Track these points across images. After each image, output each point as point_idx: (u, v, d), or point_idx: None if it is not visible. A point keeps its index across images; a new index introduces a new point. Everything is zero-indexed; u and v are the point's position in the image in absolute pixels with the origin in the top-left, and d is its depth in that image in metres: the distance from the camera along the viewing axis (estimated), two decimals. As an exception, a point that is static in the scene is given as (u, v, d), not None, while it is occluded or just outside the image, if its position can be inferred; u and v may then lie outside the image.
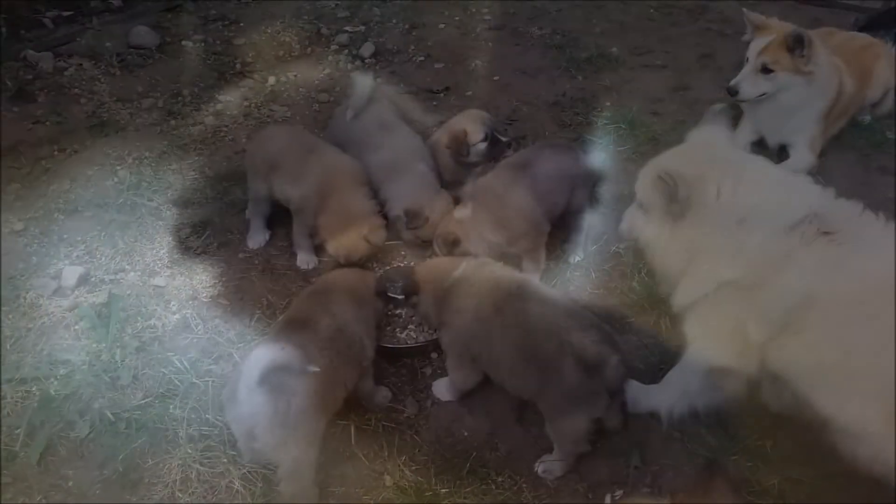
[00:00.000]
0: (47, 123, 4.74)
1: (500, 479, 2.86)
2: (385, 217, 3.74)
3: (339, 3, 6.45)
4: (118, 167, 4.49)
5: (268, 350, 2.50)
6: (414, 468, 2.91)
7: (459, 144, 3.85)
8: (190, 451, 2.90)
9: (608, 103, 5.14)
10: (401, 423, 3.10)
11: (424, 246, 3.71)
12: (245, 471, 2.84)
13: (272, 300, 3.63)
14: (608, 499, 2.85)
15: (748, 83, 4.10)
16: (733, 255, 2.52)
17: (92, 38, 5.55)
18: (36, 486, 2.84)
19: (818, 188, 2.61)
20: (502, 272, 3.01)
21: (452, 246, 3.39)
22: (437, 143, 4.01)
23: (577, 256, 3.87)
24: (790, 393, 2.84)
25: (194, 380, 3.17)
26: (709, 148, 2.77)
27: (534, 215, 3.53)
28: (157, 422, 3.02)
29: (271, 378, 2.46)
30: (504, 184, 3.56)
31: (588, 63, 5.61)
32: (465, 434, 3.07)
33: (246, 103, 5.20)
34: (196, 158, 4.62)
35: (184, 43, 5.83)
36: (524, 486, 2.86)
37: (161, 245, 3.93)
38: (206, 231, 4.04)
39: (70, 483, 2.86)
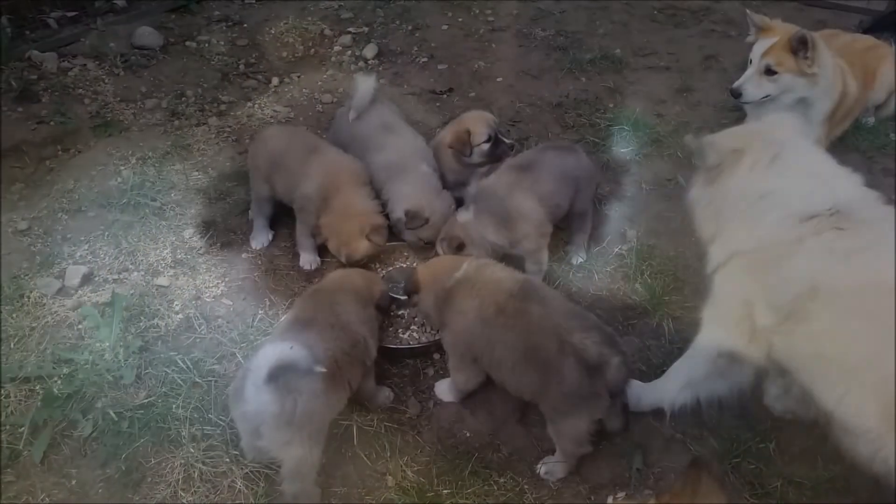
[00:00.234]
0: (51, 123, 4.75)
1: (501, 480, 2.87)
2: (387, 218, 3.74)
3: (342, 4, 6.46)
4: (122, 167, 4.50)
5: (276, 348, 2.51)
6: (416, 469, 2.91)
7: (463, 145, 3.86)
8: (192, 450, 2.91)
9: (611, 105, 5.15)
10: (403, 424, 3.10)
11: (426, 247, 3.72)
12: (247, 470, 2.85)
13: (275, 300, 3.64)
14: (610, 500, 2.85)
15: (752, 85, 4.10)
16: (748, 227, 2.60)
17: (96, 38, 5.56)
18: (39, 485, 2.85)
19: (852, 184, 2.60)
20: (504, 273, 3.01)
21: (457, 250, 3.39)
22: (440, 144, 4.02)
23: (579, 258, 3.87)
24: (793, 394, 2.85)
25: (197, 379, 3.18)
26: (769, 127, 2.85)
27: (536, 217, 3.53)
28: (160, 421, 3.03)
29: (279, 376, 2.47)
30: (507, 185, 3.56)
31: (591, 64, 5.61)
32: (467, 435, 3.07)
33: (249, 104, 5.21)
34: (199, 159, 4.63)
35: (188, 44, 5.84)
36: (526, 487, 2.86)
37: (164, 245, 3.94)
38: (210, 231, 4.05)
39: (73, 481, 2.87)
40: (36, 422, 3.00)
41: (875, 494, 2.77)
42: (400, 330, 3.51)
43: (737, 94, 4.14)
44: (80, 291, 3.65)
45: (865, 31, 5.33)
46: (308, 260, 3.85)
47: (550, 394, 2.73)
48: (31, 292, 3.60)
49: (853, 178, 2.63)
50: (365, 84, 4.06)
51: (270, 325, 3.46)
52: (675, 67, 5.63)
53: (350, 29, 6.09)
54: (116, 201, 4.19)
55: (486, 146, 3.87)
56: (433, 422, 3.12)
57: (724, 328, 2.73)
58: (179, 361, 3.25)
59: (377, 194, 3.80)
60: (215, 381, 3.18)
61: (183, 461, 2.88)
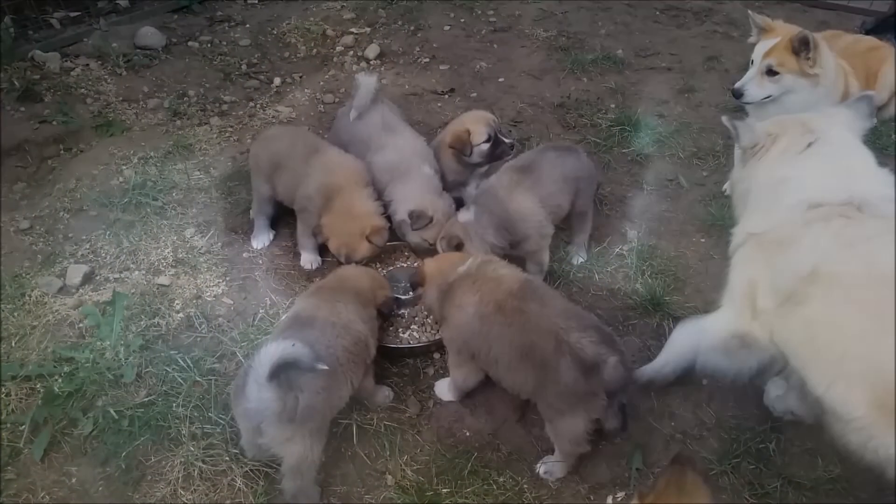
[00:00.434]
0: (54, 123, 4.76)
1: (501, 480, 2.87)
2: (388, 218, 3.74)
3: (344, 4, 6.47)
4: (123, 167, 4.51)
5: (277, 346, 2.51)
6: (415, 468, 2.92)
7: (463, 144, 3.86)
8: (192, 448, 2.91)
9: (613, 105, 5.15)
10: (403, 423, 3.10)
11: (430, 248, 3.71)
12: (247, 469, 2.86)
13: (276, 300, 3.65)
14: (610, 500, 2.85)
15: (753, 85, 4.09)
16: (765, 211, 2.68)
17: (99, 38, 5.57)
18: (40, 483, 2.86)
19: (880, 182, 2.61)
20: (506, 271, 3.01)
21: (456, 249, 3.39)
22: (441, 144, 4.02)
23: (580, 258, 3.87)
24: (793, 392, 2.85)
25: (197, 378, 3.19)
26: (814, 117, 2.89)
27: (537, 218, 3.53)
28: (161, 419, 3.03)
29: (280, 374, 2.48)
30: (507, 186, 3.56)
31: (593, 65, 5.61)
32: (467, 434, 3.08)
33: (251, 104, 5.23)
34: (201, 158, 4.64)
35: (190, 44, 5.86)
36: (525, 486, 2.86)
37: (166, 244, 3.95)
38: (211, 231, 4.06)
39: (73, 479, 2.88)
40: (36, 420, 3.01)
41: (875, 495, 2.78)
42: (400, 329, 3.52)
43: (738, 95, 4.13)
44: (81, 290, 3.66)
45: (868, 32, 5.32)
46: (309, 260, 3.86)
47: (547, 392, 2.74)
48: (32, 291, 3.62)
49: (885, 177, 2.65)
50: (366, 84, 4.06)
51: (271, 324, 3.46)
52: (677, 68, 5.63)
53: (352, 29, 6.10)
54: (118, 200, 4.20)
55: (485, 146, 3.87)
56: (433, 421, 3.13)
57: (732, 309, 2.75)
58: (180, 360, 3.26)
59: (379, 195, 3.80)
60: (216, 380, 3.19)
61: (183, 459, 2.88)
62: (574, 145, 4.06)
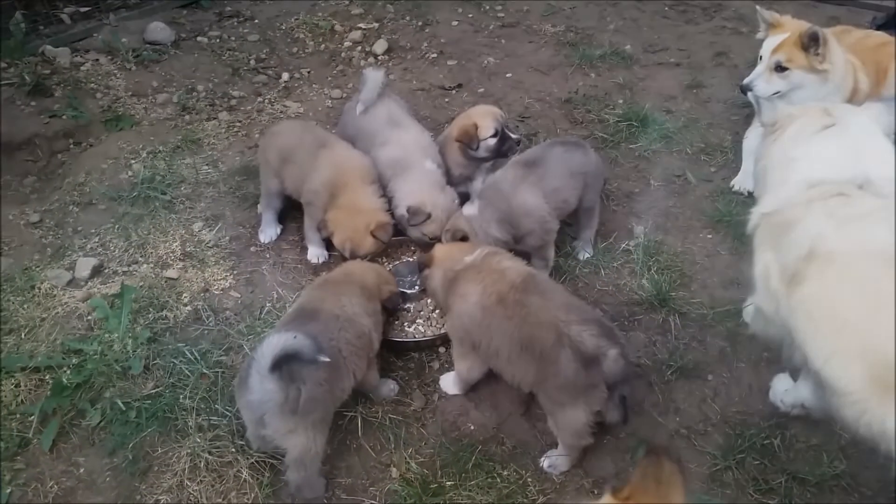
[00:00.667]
0: (63, 117, 4.80)
1: (505, 473, 2.88)
2: (393, 214, 3.75)
3: (352, 0, 6.48)
4: (132, 161, 4.54)
5: (280, 338, 2.53)
6: (420, 461, 2.93)
7: (469, 138, 3.86)
8: (199, 440, 2.93)
9: (621, 101, 5.13)
10: (408, 416, 3.12)
11: (430, 242, 3.72)
12: (253, 460, 2.88)
13: (283, 293, 3.67)
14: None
15: (762, 81, 4.07)
16: (775, 190, 2.71)
17: (108, 33, 5.59)
18: (48, 472, 2.89)
19: (888, 163, 2.60)
20: (510, 263, 3.02)
21: (459, 242, 3.40)
22: (448, 139, 4.02)
23: (586, 253, 3.87)
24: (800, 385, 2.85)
25: (204, 370, 3.21)
26: (840, 106, 2.98)
27: (541, 213, 3.52)
28: (168, 411, 3.06)
29: (283, 365, 2.50)
30: (512, 181, 3.55)
31: (601, 60, 5.59)
32: (472, 428, 3.09)
33: (259, 99, 5.24)
34: (209, 153, 4.67)
35: (199, 39, 5.88)
36: (529, 480, 2.87)
37: (174, 238, 3.98)
38: (219, 224, 4.08)
39: (81, 470, 2.92)
40: (45, 411, 3.05)
41: (880, 492, 2.77)
42: (406, 323, 3.53)
43: (746, 90, 4.11)
44: (90, 283, 3.70)
45: (879, 28, 5.27)
46: (316, 254, 3.88)
47: (548, 385, 2.75)
48: (41, 283, 3.65)
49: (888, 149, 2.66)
50: (373, 78, 4.07)
51: (277, 317, 3.48)
52: (685, 64, 5.60)
53: (360, 25, 6.10)
54: (127, 194, 4.24)
55: (492, 141, 3.87)
56: (438, 414, 3.14)
57: (755, 290, 2.80)
58: (187, 353, 3.28)
59: (383, 190, 3.81)
60: (222, 373, 3.21)
61: (189, 451, 2.91)
62: (581, 140, 4.04)
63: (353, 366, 2.84)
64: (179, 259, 3.85)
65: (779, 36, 4.05)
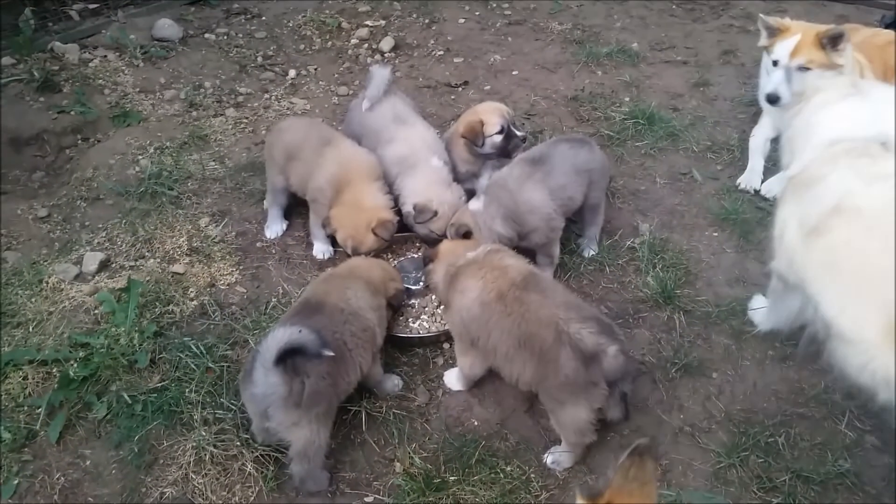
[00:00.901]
0: (72, 113, 4.83)
1: (508, 469, 2.88)
2: (399, 212, 3.76)
3: (359, -3, 6.50)
4: (140, 156, 4.57)
5: (285, 332, 2.54)
6: (423, 455, 2.94)
7: (475, 135, 3.86)
8: (204, 433, 2.95)
9: (627, 98, 5.13)
10: (411, 412, 3.13)
11: (438, 239, 3.72)
12: (258, 453, 2.89)
13: (288, 289, 3.68)
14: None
15: (785, 87, 4.04)
16: (800, 154, 2.86)
17: (117, 30, 5.62)
18: (55, 464, 2.92)
19: None
20: (512, 261, 3.02)
21: (464, 237, 3.41)
22: (454, 135, 4.03)
23: (591, 251, 3.87)
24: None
25: (210, 364, 3.22)
26: (867, 81, 3.23)
27: (546, 210, 3.52)
28: (173, 405, 3.07)
29: (287, 359, 2.51)
30: (518, 178, 3.55)
31: (608, 58, 5.59)
32: (475, 423, 3.09)
33: (266, 96, 5.26)
34: (216, 149, 4.69)
35: (206, 36, 5.90)
36: (533, 476, 2.87)
37: (180, 233, 3.99)
38: (225, 220, 4.10)
39: (87, 462, 2.94)
40: (52, 403, 3.07)
41: (884, 492, 2.77)
42: (410, 319, 3.54)
43: (774, 99, 4.05)
44: (97, 277, 3.72)
45: (888, 26, 5.25)
46: (321, 250, 3.89)
47: (548, 383, 2.75)
48: (49, 277, 3.67)
49: None
50: (379, 75, 4.08)
51: (283, 312, 3.47)
52: (692, 62, 5.59)
53: (367, 22, 6.11)
54: (134, 190, 4.26)
55: (498, 138, 3.87)
56: (441, 410, 3.15)
57: (772, 252, 2.94)
58: (193, 347, 3.29)
59: (389, 188, 3.82)
60: (228, 367, 3.23)
61: (195, 444, 2.92)
62: (587, 138, 4.04)
63: (358, 359, 2.85)
64: (186, 254, 3.87)
65: (790, 39, 4.02)
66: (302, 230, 4.06)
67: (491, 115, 3.89)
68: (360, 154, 3.84)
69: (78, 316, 3.49)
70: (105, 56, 5.46)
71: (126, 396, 3.09)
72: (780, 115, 4.12)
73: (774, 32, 4.12)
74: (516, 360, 2.81)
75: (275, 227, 4.04)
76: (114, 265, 3.80)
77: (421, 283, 3.57)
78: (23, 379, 3.18)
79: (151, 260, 3.83)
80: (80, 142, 4.72)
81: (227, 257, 3.88)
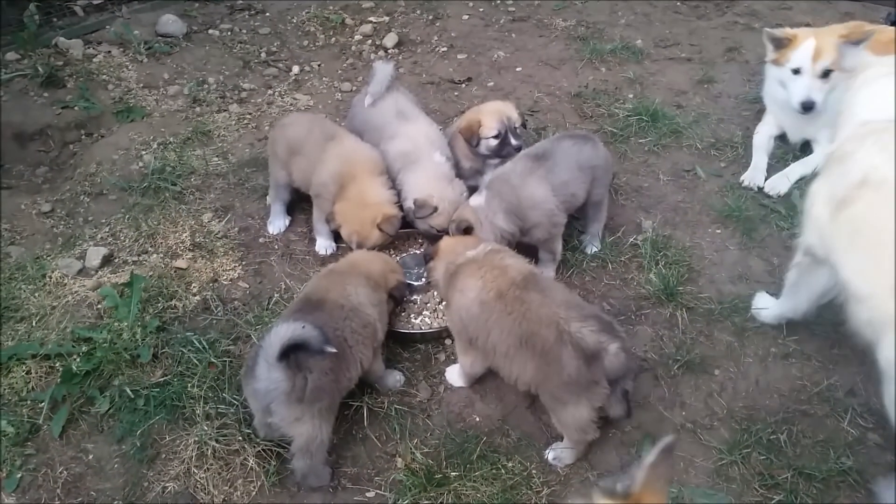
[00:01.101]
0: (76, 108, 4.84)
1: (510, 465, 2.88)
2: (401, 207, 3.76)
3: (363, -7, 6.49)
4: (143, 152, 4.57)
5: (287, 327, 2.55)
6: (425, 451, 2.94)
7: (471, 134, 3.86)
8: (206, 428, 2.95)
9: (631, 95, 5.12)
10: (413, 407, 3.13)
11: (438, 235, 3.72)
12: (259, 448, 2.89)
13: (290, 284, 3.69)
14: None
15: (815, 92, 4.02)
16: (837, 132, 3.07)
17: (121, 26, 5.63)
18: (58, 458, 2.93)
19: None
20: (512, 261, 3.01)
21: (465, 233, 3.40)
22: (456, 131, 4.02)
23: (594, 247, 3.86)
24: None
25: (212, 359, 3.23)
26: None
27: (548, 206, 3.51)
28: (175, 399, 3.08)
29: (290, 355, 2.51)
30: (520, 174, 3.55)
31: (612, 55, 5.57)
32: (477, 419, 3.10)
33: (269, 92, 5.27)
34: (219, 145, 4.69)
35: (210, 32, 5.91)
36: (534, 472, 2.87)
37: (183, 228, 4.00)
38: (228, 215, 4.11)
39: (90, 456, 2.95)
40: (55, 397, 3.08)
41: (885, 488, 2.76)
42: (412, 315, 3.54)
43: (810, 106, 4.03)
44: (100, 272, 3.73)
45: (893, 24, 5.23)
46: (324, 245, 3.89)
47: (550, 383, 2.74)
48: (52, 272, 3.69)
49: None
50: (382, 70, 4.08)
51: (285, 308, 3.48)
52: (696, 59, 5.57)
53: (371, 18, 6.11)
54: (137, 185, 4.27)
55: (493, 141, 3.86)
56: (443, 406, 3.15)
57: (803, 227, 3.04)
58: (195, 342, 3.30)
59: (392, 183, 3.82)
60: (230, 362, 3.23)
61: (197, 439, 2.93)
62: (590, 134, 4.03)
63: (359, 355, 2.85)
64: (189, 249, 3.88)
65: (805, 46, 4.01)
66: (304, 226, 4.07)
67: (490, 118, 3.87)
68: (364, 149, 3.84)
69: (81, 311, 3.50)
70: (109, 51, 5.47)
71: (129, 391, 3.10)
72: (809, 118, 4.18)
73: (783, 43, 4.10)
74: (517, 360, 2.81)
75: (277, 223, 4.05)
76: (117, 260, 3.81)
77: (423, 279, 3.57)
78: (26, 373, 3.19)
79: (154, 255, 3.84)
80: (83, 137, 4.73)
81: (230, 253, 3.89)
